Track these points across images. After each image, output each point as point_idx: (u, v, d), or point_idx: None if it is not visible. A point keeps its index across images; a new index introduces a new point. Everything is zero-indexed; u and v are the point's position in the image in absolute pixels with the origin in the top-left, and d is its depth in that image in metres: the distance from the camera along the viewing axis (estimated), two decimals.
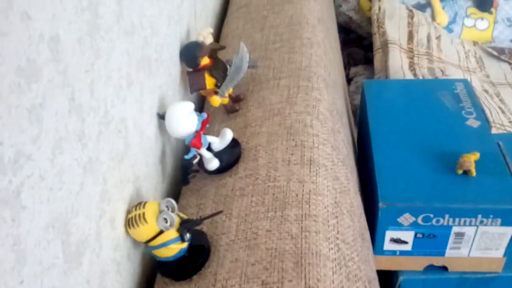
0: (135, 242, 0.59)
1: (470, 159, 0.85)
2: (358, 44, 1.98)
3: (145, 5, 0.60)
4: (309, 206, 0.63)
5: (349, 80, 1.80)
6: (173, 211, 0.57)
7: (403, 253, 0.88)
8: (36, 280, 0.36)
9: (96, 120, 0.46)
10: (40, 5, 0.34)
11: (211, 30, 0.83)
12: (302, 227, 0.60)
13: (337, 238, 0.61)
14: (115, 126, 0.51)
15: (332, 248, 0.59)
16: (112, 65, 0.49)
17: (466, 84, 1.08)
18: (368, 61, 1.88)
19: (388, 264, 0.90)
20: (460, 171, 0.85)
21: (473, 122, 0.98)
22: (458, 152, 0.87)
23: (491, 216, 0.80)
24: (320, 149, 0.72)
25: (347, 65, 1.91)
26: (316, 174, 0.68)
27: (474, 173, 0.84)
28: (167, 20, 0.72)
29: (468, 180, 0.84)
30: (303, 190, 0.65)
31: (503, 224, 0.81)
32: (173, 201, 0.57)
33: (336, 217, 0.64)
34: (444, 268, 0.89)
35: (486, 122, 0.97)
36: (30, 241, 0.35)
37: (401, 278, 0.90)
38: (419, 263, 0.89)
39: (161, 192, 0.72)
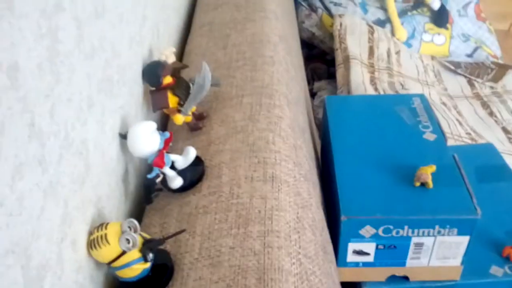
0: (98, 263, 0.59)
1: (427, 172, 0.88)
2: (321, 59, 2.02)
3: (106, 28, 0.61)
4: (272, 222, 0.64)
5: (313, 95, 1.84)
6: (135, 231, 0.57)
7: (365, 264, 0.90)
8: None
9: (57, 144, 0.46)
10: None
11: (173, 49, 0.85)
12: (264, 243, 0.61)
13: (299, 253, 0.63)
14: (76, 149, 0.51)
15: (294, 263, 0.61)
16: (72, 89, 0.50)
17: (423, 98, 1.12)
18: (331, 75, 1.93)
19: (351, 275, 0.92)
20: (417, 183, 0.88)
21: (429, 136, 1.01)
22: (415, 165, 0.90)
23: (448, 226, 0.83)
24: (282, 166, 0.74)
25: (311, 79, 1.95)
26: (278, 190, 0.69)
27: (431, 185, 0.87)
28: (129, 41, 0.72)
29: (425, 192, 0.87)
30: (265, 206, 0.66)
31: (459, 233, 0.84)
32: (135, 222, 0.57)
33: (298, 232, 0.65)
34: (405, 278, 0.92)
35: (442, 135, 1.01)
36: None
37: None
38: (381, 274, 0.92)
39: (124, 212, 0.72)
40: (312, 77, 2.01)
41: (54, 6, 0.45)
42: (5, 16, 0.36)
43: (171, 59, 0.83)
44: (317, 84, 1.92)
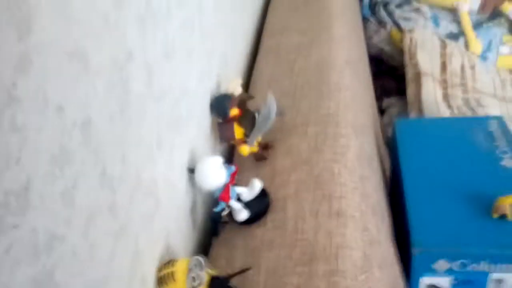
0: None
1: (506, 203, 0.83)
2: (390, 75, 1.97)
3: (175, 68, 0.63)
4: (337, 260, 0.63)
5: (382, 111, 1.79)
6: (201, 268, 0.58)
7: None
8: None
9: (128, 188, 0.48)
10: (73, 93, 0.37)
11: (240, 81, 0.86)
12: (330, 283, 0.60)
13: None
14: (146, 189, 0.53)
15: None
16: (142, 132, 0.51)
17: (501, 121, 1.06)
18: (401, 91, 1.87)
19: None
20: (496, 215, 0.83)
21: (508, 162, 0.95)
22: (493, 194, 0.85)
23: None
24: (348, 199, 0.72)
25: (380, 96, 1.90)
26: (344, 225, 0.68)
27: (511, 217, 0.82)
28: (198, 76, 0.74)
29: (505, 224, 0.82)
30: (331, 243, 0.65)
31: None
32: (202, 259, 0.58)
33: (366, 271, 0.63)
34: None
35: None
36: None
37: None
38: None
39: (193, 243, 0.73)
40: (381, 93, 1.96)
41: (126, 55, 0.47)
42: (81, 75, 0.38)
43: (237, 90, 0.84)
44: (386, 101, 1.86)
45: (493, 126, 1.05)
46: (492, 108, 1.57)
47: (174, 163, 0.64)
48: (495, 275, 0.80)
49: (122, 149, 0.46)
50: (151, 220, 0.55)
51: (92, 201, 0.40)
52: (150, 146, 0.54)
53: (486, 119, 1.09)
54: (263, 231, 0.71)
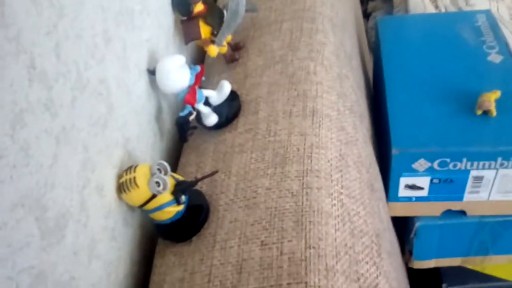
0: (132, 206, 0.57)
1: (490, 98, 0.80)
2: None
3: None
4: (311, 161, 0.59)
5: (367, 16, 1.71)
6: (165, 173, 0.54)
7: (419, 199, 0.85)
8: (6, 262, 0.34)
9: (67, 86, 0.42)
10: None
11: None
12: (303, 184, 0.57)
13: (341, 193, 0.58)
14: (92, 89, 0.47)
15: (335, 204, 0.56)
16: (82, 23, 0.45)
17: (488, 15, 1.00)
18: None
19: (403, 210, 0.87)
20: (479, 112, 0.80)
21: (495, 57, 0.91)
22: (477, 91, 0.82)
23: None
24: (324, 98, 0.68)
25: None
26: (319, 125, 0.64)
27: (494, 113, 0.79)
28: None
29: (487, 121, 0.79)
30: (304, 144, 0.61)
31: None
32: (165, 163, 0.54)
33: (341, 170, 0.60)
34: (462, 213, 0.86)
35: (509, 57, 0.90)
36: None
37: (417, 223, 0.87)
38: (436, 208, 0.86)
39: (160, 151, 0.69)
40: None
41: None
42: None
43: None
44: (371, 4, 1.78)
45: (481, 20, 0.99)
46: (481, 7, 1.49)
47: (128, 64, 0.58)
48: (474, 173, 0.79)
49: (54, 40, 0.40)
50: (103, 126, 0.51)
51: (18, 97, 0.35)
52: (93, 41, 0.48)
53: (473, 13, 1.02)
54: (233, 135, 0.67)
